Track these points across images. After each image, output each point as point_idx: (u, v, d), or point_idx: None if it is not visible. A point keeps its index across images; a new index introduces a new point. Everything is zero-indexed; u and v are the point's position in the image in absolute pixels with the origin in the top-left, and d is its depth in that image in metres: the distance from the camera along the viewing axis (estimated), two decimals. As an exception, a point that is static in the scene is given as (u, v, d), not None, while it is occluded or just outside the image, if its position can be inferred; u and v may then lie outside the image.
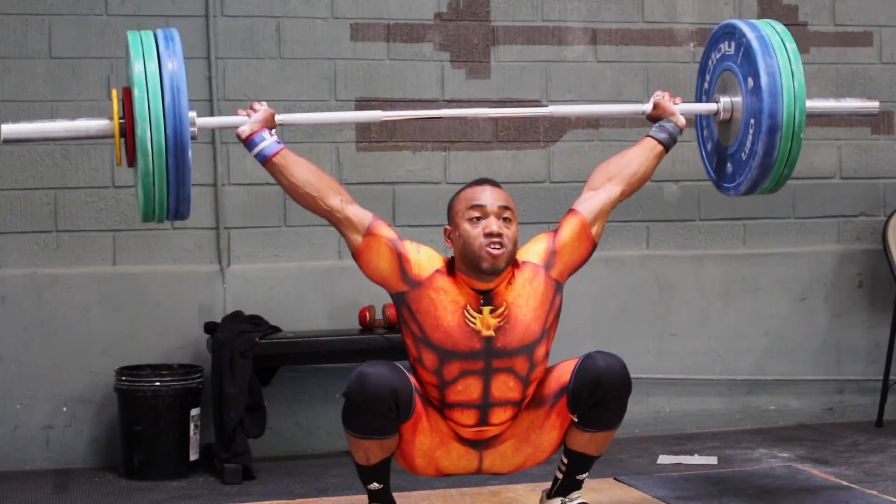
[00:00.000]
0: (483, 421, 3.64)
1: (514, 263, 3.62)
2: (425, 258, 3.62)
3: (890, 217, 5.73)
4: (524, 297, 3.60)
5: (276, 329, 5.17)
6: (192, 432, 4.94)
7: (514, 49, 5.57)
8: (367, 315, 5.16)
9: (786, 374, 5.81)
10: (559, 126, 5.59)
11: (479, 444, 3.70)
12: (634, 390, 5.52)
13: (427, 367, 3.61)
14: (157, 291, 5.22)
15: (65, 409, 5.12)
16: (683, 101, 3.97)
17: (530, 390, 3.67)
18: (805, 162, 5.83)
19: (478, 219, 3.57)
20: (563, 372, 3.67)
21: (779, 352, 5.81)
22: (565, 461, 3.78)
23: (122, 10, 5.16)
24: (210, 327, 5.09)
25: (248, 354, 4.91)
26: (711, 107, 3.97)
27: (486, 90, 5.50)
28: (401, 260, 3.60)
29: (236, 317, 5.11)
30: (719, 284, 5.76)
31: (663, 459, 5.10)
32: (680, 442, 5.45)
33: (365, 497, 3.76)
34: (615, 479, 4.58)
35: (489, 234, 3.54)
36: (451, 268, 3.62)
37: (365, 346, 5.04)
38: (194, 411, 4.95)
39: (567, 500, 3.79)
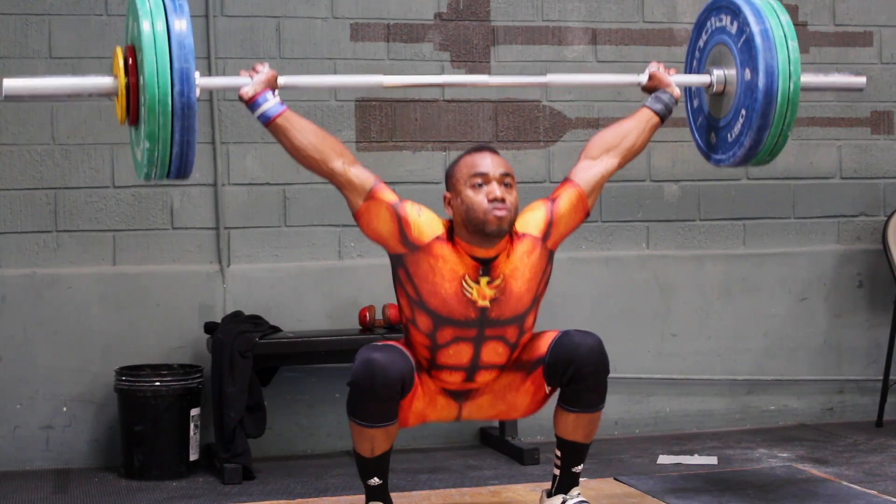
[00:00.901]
0: (469, 380, 3.73)
1: (512, 234, 3.66)
2: (426, 222, 3.64)
3: (890, 217, 5.73)
4: (521, 269, 3.65)
5: (276, 329, 5.16)
6: (192, 432, 4.94)
7: (514, 49, 5.56)
8: (367, 315, 5.16)
9: (786, 374, 5.81)
10: (559, 126, 5.59)
11: (460, 396, 3.77)
12: (634, 390, 5.62)
13: (420, 330, 3.66)
14: (157, 291, 5.22)
15: (65, 409, 5.12)
16: (677, 73, 3.99)
17: (516, 354, 3.75)
18: (805, 162, 5.84)
19: (480, 185, 3.60)
20: (543, 344, 3.73)
21: (779, 352, 5.81)
22: (558, 454, 3.80)
23: (121, 10, 5.15)
24: (210, 327, 5.09)
25: (248, 354, 4.91)
26: (704, 79, 3.99)
27: (486, 90, 5.50)
28: (400, 223, 3.62)
29: (236, 317, 5.11)
30: (719, 284, 5.76)
31: (663, 459, 5.10)
32: (680, 442, 5.45)
33: (364, 497, 3.76)
34: (615, 479, 4.57)
35: (493, 199, 3.57)
36: (451, 234, 3.65)
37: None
38: (194, 411, 4.95)
39: (567, 497, 3.80)
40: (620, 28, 5.64)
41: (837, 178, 5.89)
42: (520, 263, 3.65)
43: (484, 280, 3.62)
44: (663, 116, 3.90)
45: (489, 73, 5.52)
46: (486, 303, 3.62)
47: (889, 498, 4.27)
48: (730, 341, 5.74)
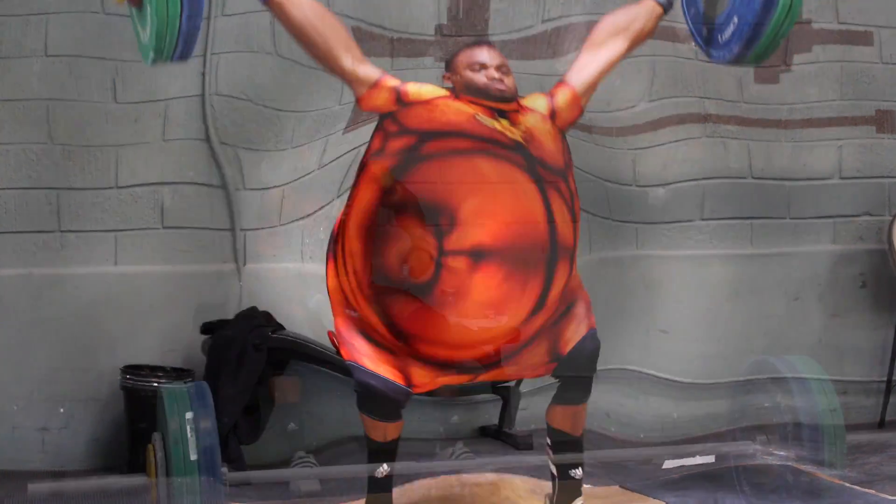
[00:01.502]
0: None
1: (521, 107, 3.69)
2: (427, 90, 3.69)
3: (895, 217, 5.71)
4: (540, 130, 3.67)
5: (281, 327, 5.14)
6: (189, 433, 4.91)
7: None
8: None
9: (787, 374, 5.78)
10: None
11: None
12: (635, 391, 5.59)
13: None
14: (157, 292, 5.21)
15: (62, 410, 5.11)
16: None
17: (554, 293, 3.73)
18: (807, 162, 5.82)
19: (479, 70, 3.68)
20: (570, 339, 3.78)
21: (780, 352, 5.76)
22: (549, 441, 3.85)
23: (120, 10, 5.13)
24: (207, 328, 5.07)
25: (263, 348, 4.89)
26: None
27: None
28: (398, 93, 3.66)
29: (249, 314, 5.10)
30: (722, 285, 5.73)
31: (666, 463, 5.08)
32: (683, 444, 5.42)
33: (364, 499, 3.77)
34: (620, 487, 4.57)
35: (492, 79, 3.64)
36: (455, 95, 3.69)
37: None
38: (188, 414, 4.92)
39: (570, 506, 3.81)
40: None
41: (836, 177, 5.87)
42: (537, 126, 3.67)
43: (504, 121, 3.63)
44: (666, 8, 3.91)
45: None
46: (518, 137, 3.62)
47: (889, 498, 4.25)
48: (731, 342, 5.72)
